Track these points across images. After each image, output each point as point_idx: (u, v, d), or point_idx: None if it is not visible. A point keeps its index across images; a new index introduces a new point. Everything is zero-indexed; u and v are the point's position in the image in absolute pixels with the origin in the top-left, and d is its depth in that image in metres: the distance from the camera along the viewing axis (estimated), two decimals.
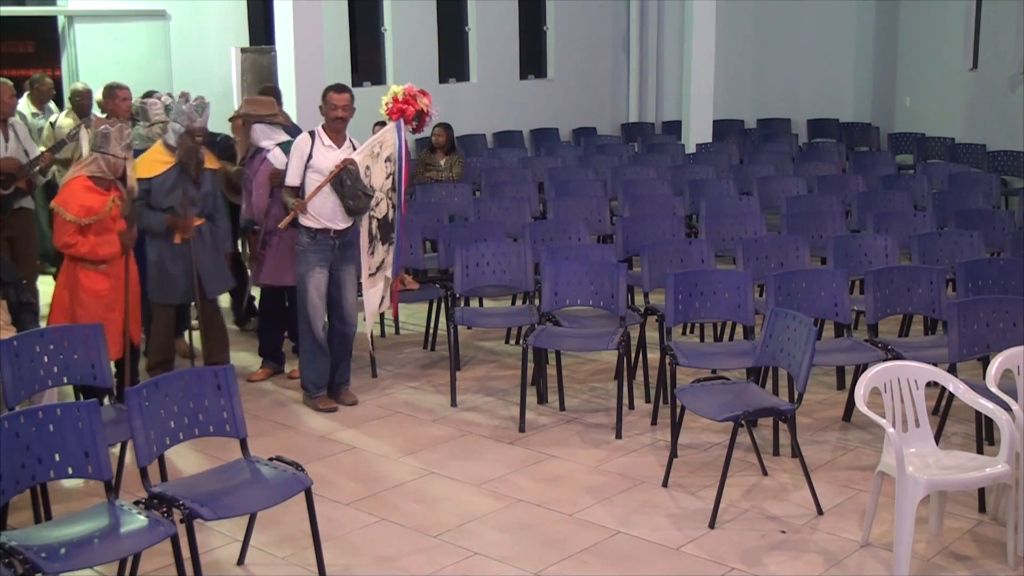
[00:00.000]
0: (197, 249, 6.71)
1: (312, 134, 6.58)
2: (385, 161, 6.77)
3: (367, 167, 6.59)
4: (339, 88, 6.64)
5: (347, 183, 6.41)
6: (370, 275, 6.83)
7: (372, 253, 6.80)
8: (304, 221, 6.53)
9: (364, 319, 7.04)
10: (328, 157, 6.48)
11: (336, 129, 6.55)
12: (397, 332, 8.41)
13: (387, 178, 6.79)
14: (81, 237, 5.99)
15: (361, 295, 6.92)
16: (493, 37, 13.76)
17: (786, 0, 15.52)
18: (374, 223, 6.76)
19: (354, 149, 6.59)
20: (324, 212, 6.49)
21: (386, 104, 7.17)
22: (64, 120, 8.95)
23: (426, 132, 10.69)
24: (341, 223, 6.54)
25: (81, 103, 9.03)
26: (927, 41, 14.42)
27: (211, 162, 6.93)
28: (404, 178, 6.89)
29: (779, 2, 15.55)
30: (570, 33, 14.60)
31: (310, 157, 6.49)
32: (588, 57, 14.80)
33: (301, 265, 6.58)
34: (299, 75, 9.20)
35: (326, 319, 6.70)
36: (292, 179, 6.54)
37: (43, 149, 8.01)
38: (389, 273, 7.00)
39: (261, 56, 11.27)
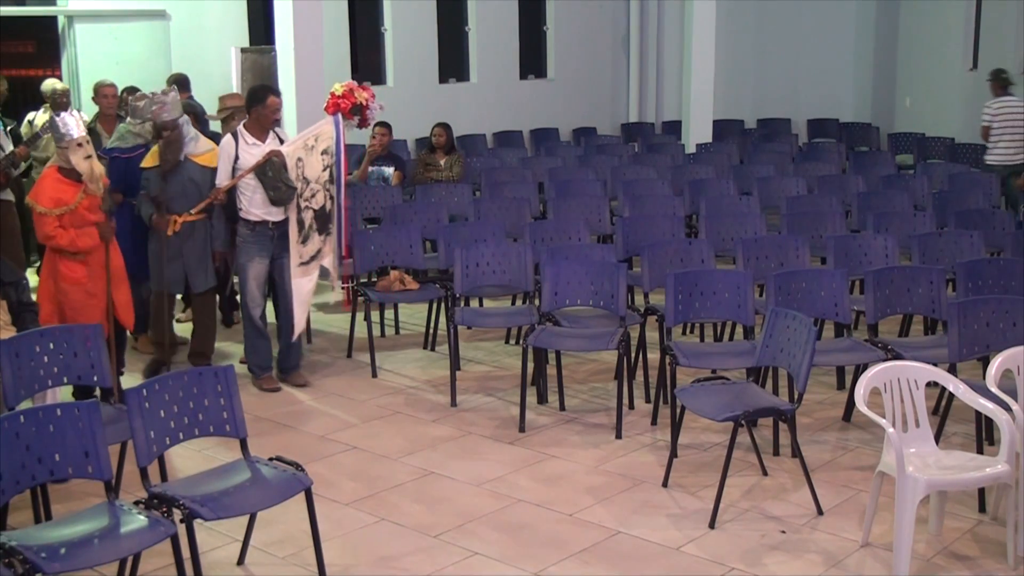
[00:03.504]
0: (184, 244, 6.86)
1: (235, 135, 6.89)
2: (322, 154, 7.03)
3: (299, 159, 6.87)
4: (278, 92, 7.07)
5: (269, 174, 6.72)
6: (301, 263, 7.01)
7: (304, 242, 6.99)
8: (243, 214, 6.87)
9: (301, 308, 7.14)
10: (253, 153, 6.80)
11: (264, 128, 6.88)
12: (397, 332, 8.41)
13: (324, 170, 7.05)
14: (61, 230, 6.11)
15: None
16: (493, 37, 13.76)
17: (786, 0, 15.52)
18: (310, 213, 6.99)
19: (281, 143, 6.90)
20: (255, 204, 6.82)
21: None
22: (41, 118, 8.97)
23: (425, 132, 10.75)
24: (276, 215, 6.87)
25: (59, 101, 8.99)
26: (927, 41, 14.42)
27: (212, 160, 6.97)
28: (344, 171, 7.17)
29: (779, 2, 15.55)
30: (570, 33, 14.60)
31: (236, 158, 6.80)
32: (588, 57, 14.80)
33: (242, 256, 6.92)
34: (299, 75, 9.21)
35: (264, 307, 7.01)
36: (221, 180, 6.85)
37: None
38: (326, 262, 7.22)
39: (261, 56, 11.27)
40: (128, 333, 7.03)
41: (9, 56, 10.69)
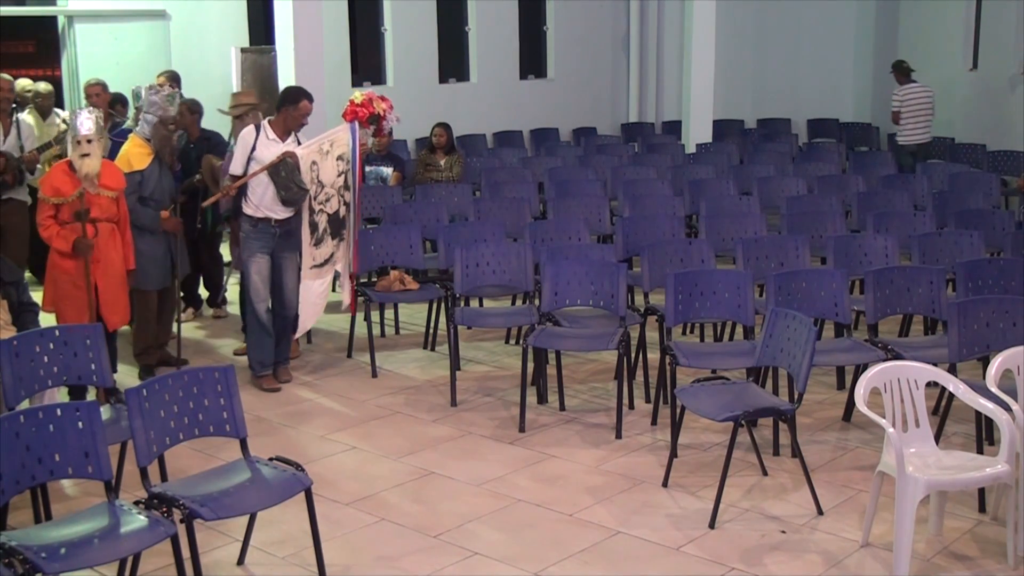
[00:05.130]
0: (168, 236, 7.08)
1: (258, 127, 6.95)
2: (336, 159, 7.08)
3: (313, 162, 6.93)
4: (311, 97, 7.04)
5: (282, 174, 6.76)
6: (314, 266, 7.10)
7: (316, 245, 7.08)
8: (246, 210, 6.92)
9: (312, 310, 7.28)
10: (271, 150, 6.83)
11: (288, 129, 6.93)
12: (397, 332, 8.41)
13: (339, 176, 7.09)
14: (51, 220, 6.31)
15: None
16: (493, 37, 13.76)
17: (786, 0, 15.51)
18: (324, 217, 7.06)
19: (298, 144, 6.95)
20: (264, 202, 6.86)
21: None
22: (26, 118, 8.96)
23: (425, 132, 10.75)
24: (281, 213, 6.89)
25: (42, 104, 9.01)
26: (927, 41, 14.41)
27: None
28: (359, 178, 7.22)
29: (779, 2, 15.55)
30: (570, 33, 14.59)
31: (253, 149, 6.85)
32: (588, 57, 14.80)
33: (244, 251, 6.98)
34: (299, 75, 9.21)
35: (269, 302, 7.05)
36: (235, 168, 6.93)
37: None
38: (340, 267, 7.29)
39: (261, 56, 11.28)
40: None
41: (9, 56, 10.69)
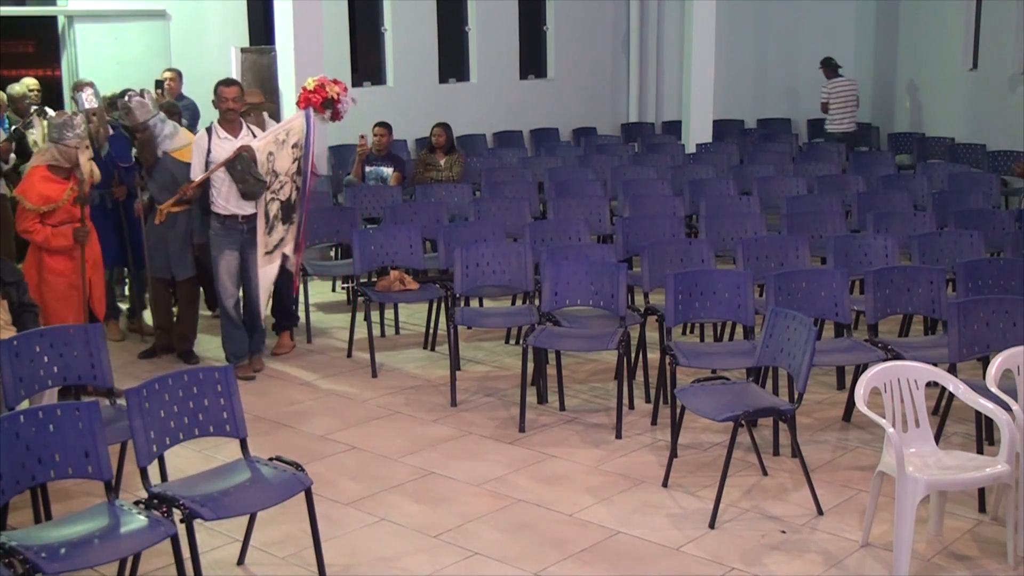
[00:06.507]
0: (167, 233, 7.21)
1: (209, 129, 7.05)
2: (292, 147, 7.15)
3: (270, 153, 6.98)
4: (227, 82, 7.18)
5: (238, 167, 6.84)
6: (266, 252, 7.18)
7: (269, 232, 7.15)
8: (214, 208, 7.01)
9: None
10: (225, 148, 6.93)
11: (230, 120, 7.02)
12: (397, 332, 8.41)
13: (293, 163, 7.18)
14: (39, 226, 6.37)
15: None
16: (493, 37, 13.76)
17: (786, 0, 15.51)
18: (276, 204, 7.13)
19: (254, 137, 7.03)
20: (230, 199, 6.96)
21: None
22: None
23: (425, 132, 10.75)
24: (245, 209, 6.98)
25: (16, 107, 9.05)
26: (927, 41, 14.41)
27: (189, 155, 7.23)
28: (312, 164, 7.29)
29: (779, 2, 15.55)
30: (570, 33, 14.59)
31: (209, 151, 6.96)
32: (588, 57, 14.79)
33: (214, 249, 7.09)
34: (299, 75, 9.21)
35: (238, 297, 7.19)
36: (195, 173, 6.99)
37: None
38: (287, 250, 7.35)
39: (261, 56, 11.27)
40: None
41: (9, 56, 10.70)
